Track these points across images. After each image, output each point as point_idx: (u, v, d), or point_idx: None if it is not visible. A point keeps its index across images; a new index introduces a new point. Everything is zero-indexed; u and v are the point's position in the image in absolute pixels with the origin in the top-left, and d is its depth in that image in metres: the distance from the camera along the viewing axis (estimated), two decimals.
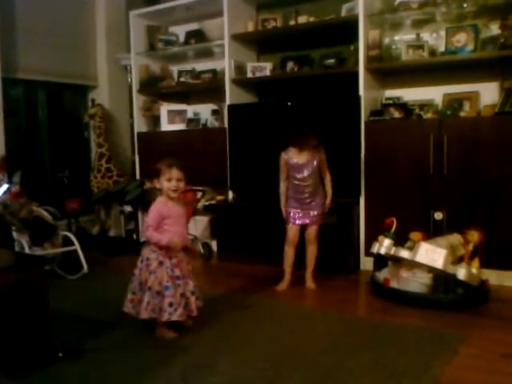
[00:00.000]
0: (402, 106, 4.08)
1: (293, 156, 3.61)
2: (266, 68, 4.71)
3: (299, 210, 3.65)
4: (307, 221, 3.65)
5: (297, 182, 3.62)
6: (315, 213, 3.65)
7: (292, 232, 3.68)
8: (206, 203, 4.74)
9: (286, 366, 2.44)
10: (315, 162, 3.58)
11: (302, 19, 4.52)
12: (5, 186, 3.90)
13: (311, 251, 3.72)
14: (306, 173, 3.58)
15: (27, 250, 3.82)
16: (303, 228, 3.70)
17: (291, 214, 3.67)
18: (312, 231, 3.68)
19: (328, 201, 3.68)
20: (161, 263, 2.77)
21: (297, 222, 3.66)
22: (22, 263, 2.76)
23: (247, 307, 3.32)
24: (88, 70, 5.67)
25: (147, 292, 2.74)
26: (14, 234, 3.91)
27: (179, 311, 2.75)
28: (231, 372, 2.40)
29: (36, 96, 5.37)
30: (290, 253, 3.70)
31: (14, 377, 2.35)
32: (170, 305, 2.72)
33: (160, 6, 5.19)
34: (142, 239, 5.11)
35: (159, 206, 2.81)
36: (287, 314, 3.20)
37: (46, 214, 4.17)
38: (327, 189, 3.68)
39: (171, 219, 2.80)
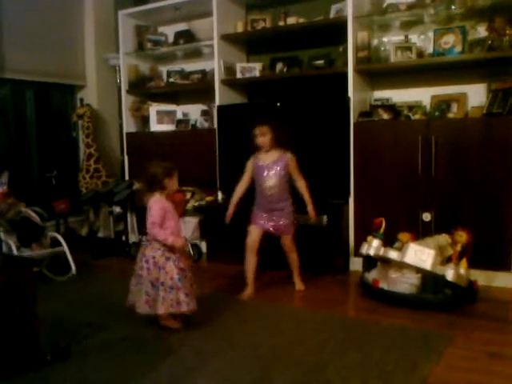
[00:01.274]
0: (391, 108, 4.10)
1: (260, 158, 3.56)
2: (256, 69, 4.71)
3: (265, 215, 3.55)
4: (274, 230, 3.55)
5: (261, 186, 3.53)
6: (284, 222, 3.55)
7: (253, 234, 3.55)
8: (196, 204, 4.74)
9: (273, 367, 2.45)
10: (281, 164, 3.49)
11: (291, 20, 4.52)
12: None
13: (292, 259, 3.68)
14: (269, 174, 3.49)
15: (15, 251, 3.79)
16: (274, 237, 3.62)
17: (257, 217, 3.57)
18: (287, 242, 3.61)
19: (310, 207, 3.53)
20: (167, 258, 2.85)
21: (260, 223, 3.56)
22: (9, 264, 2.73)
23: (235, 308, 3.32)
24: (76, 70, 5.62)
25: (161, 287, 2.80)
26: (2, 235, 3.89)
27: (194, 300, 2.88)
28: (219, 373, 2.41)
29: (24, 95, 5.31)
30: (251, 261, 3.57)
31: (1, 379, 2.33)
32: (186, 295, 2.83)
33: (149, 5, 5.17)
34: (132, 240, 5.09)
35: (161, 202, 2.90)
36: (275, 315, 3.20)
37: (33, 215, 4.14)
38: (303, 194, 3.53)
39: (170, 213, 2.93)
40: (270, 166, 3.51)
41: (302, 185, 3.55)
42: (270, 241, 3.65)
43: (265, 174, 3.51)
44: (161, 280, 2.81)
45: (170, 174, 2.93)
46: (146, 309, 2.84)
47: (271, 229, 3.57)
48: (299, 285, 3.74)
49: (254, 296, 3.56)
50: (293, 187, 3.59)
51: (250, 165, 3.61)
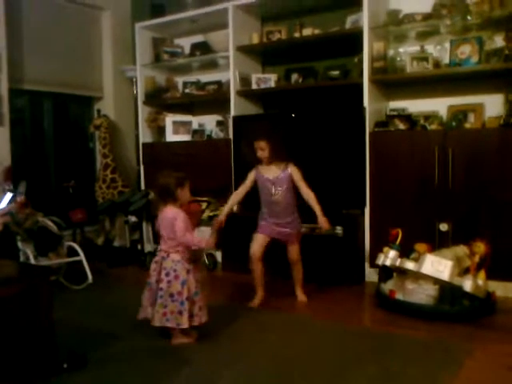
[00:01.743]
0: (407, 118, 4.08)
1: (262, 171, 3.50)
2: (271, 79, 4.73)
3: (271, 226, 3.52)
4: (280, 236, 3.53)
5: (267, 201, 3.50)
6: (290, 231, 3.52)
7: (257, 241, 3.51)
8: (211, 214, 4.75)
9: (287, 378, 2.43)
10: (284, 177, 3.44)
11: (307, 31, 4.54)
12: (9, 195, 3.91)
13: (296, 270, 3.65)
14: (275, 190, 3.45)
15: (32, 260, 3.82)
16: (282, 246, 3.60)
17: (262, 226, 3.55)
18: (293, 252, 3.58)
19: (321, 219, 3.40)
20: (188, 271, 2.86)
21: (266, 231, 3.53)
22: (26, 273, 2.76)
23: (250, 318, 3.31)
24: (93, 81, 5.71)
25: (181, 300, 2.79)
26: (19, 244, 3.93)
27: (206, 311, 2.89)
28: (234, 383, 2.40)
29: (42, 106, 5.40)
30: (257, 270, 3.54)
31: None
32: (200, 309, 2.86)
33: (165, 18, 5.23)
34: (148, 250, 5.11)
35: (180, 213, 2.88)
36: (291, 325, 3.19)
37: (51, 224, 4.18)
38: (313, 206, 3.42)
39: (188, 223, 2.93)
40: (275, 181, 3.45)
41: (310, 196, 3.44)
42: (280, 248, 3.63)
43: (271, 189, 3.46)
44: (182, 293, 2.79)
45: (182, 184, 2.89)
46: (163, 321, 2.81)
47: (277, 236, 3.54)
48: (301, 297, 3.69)
49: (263, 302, 3.55)
50: (300, 198, 3.52)
51: (251, 176, 3.55)
